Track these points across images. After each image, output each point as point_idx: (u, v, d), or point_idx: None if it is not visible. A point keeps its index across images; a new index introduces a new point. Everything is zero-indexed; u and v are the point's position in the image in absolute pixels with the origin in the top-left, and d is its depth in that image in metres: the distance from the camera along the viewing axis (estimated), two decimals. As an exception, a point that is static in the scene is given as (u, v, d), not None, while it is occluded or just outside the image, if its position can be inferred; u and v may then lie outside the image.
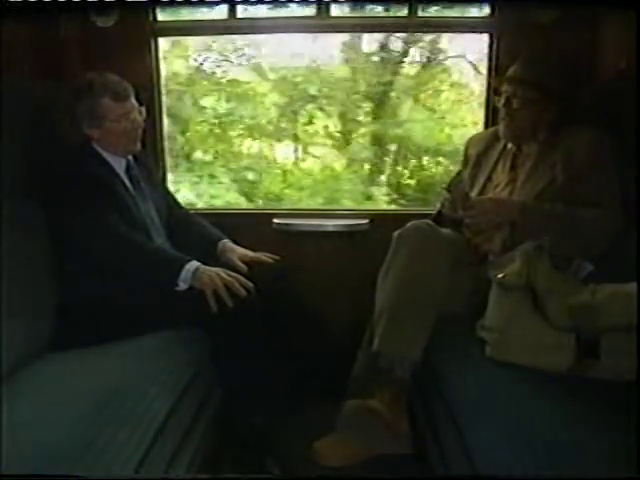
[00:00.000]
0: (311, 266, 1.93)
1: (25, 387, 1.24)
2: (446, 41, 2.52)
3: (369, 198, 2.66)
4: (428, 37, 2.51)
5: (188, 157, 2.74)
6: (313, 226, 2.03)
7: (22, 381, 1.27)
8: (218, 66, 2.63)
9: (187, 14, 2.01)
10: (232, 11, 1.95)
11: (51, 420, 1.07)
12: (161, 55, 2.03)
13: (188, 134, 2.73)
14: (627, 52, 1.61)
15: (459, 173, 1.80)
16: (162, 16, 1.98)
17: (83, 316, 1.49)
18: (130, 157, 1.66)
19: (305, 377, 1.68)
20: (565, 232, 1.47)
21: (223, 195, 2.70)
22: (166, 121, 2.11)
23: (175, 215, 1.81)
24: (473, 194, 1.69)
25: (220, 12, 1.97)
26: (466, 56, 2.52)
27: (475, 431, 1.16)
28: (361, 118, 2.71)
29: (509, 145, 1.68)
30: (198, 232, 1.81)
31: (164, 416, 1.25)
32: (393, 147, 2.76)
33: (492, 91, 1.78)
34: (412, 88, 2.67)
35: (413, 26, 2.04)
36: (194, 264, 1.49)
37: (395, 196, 2.69)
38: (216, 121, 2.73)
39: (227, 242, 1.76)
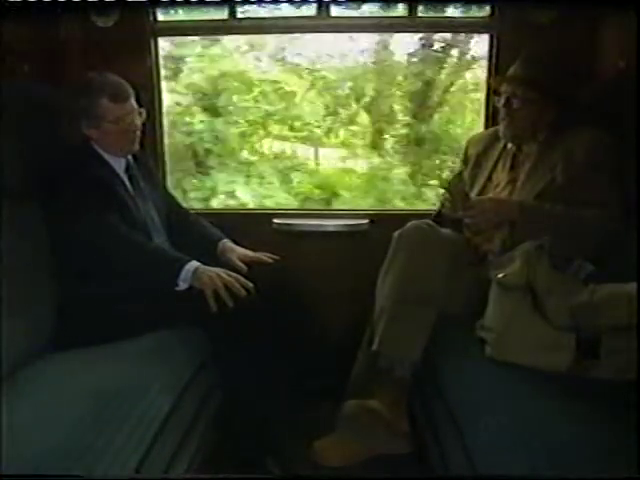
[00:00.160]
0: (311, 266, 1.93)
1: (25, 387, 1.24)
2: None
3: (418, 198, 2.64)
4: (462, 37, 2.48)
5: (235, 157, 2.74)
6: (313, 226, 2.03)
7: (22, 381, 1.27)
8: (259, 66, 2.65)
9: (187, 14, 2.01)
10: (232, 11, 1.95)
11: (51, 420, 1.08)
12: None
13: (234, 132, 2.72)
14: (627, 52, 1.61)
15: (459, 173, 1.81)
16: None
17: (83, 316, 1.49)
18: (130, 157, 1.66)
19: (305, 377, 1.69)
20: (565, 232, 1.47)
21: (273, 195, 2.69)
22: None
23: (175, 215, 1.81)
24: (473, 194, 1.69)
25: (220, 12, 1.97)
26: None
27: (475, 431, 1.15)
28: (407, 118, 2.70)
29: (509, 145, 1.68)
30: (198, 232, 1.81)
31: (164, 416, 1.25)
32: (437, 147, 2.74)
33: (492, 91, 1.78)
34: (452, 87, 2.66)
35: (413, 26, 2.04)
36: (194, 264, 1.49)
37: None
38: (261, 121, 2.74)
39: (227, 242, 1.76)
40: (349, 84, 2.67)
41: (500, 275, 1.37)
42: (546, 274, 1.33)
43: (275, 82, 2.68)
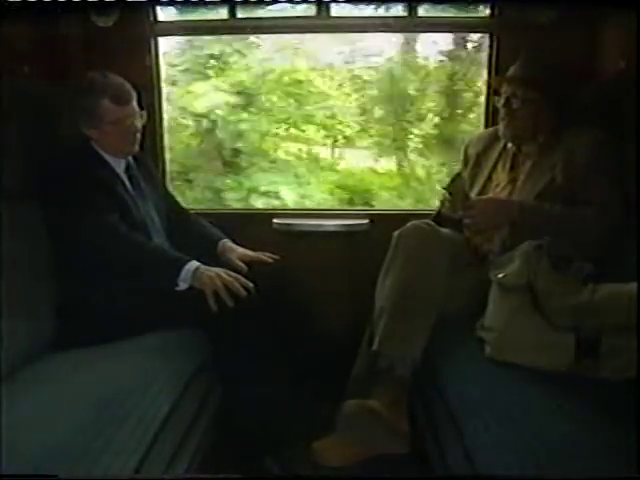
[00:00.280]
0: (311, 266, 1.93)
1: (25, 387, 1.24)
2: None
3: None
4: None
5: (270, 157, 2.74)
6: (313, 226, 2.03)
7: (22, 381, 1.27)
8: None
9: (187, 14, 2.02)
10: (232, 11, 1.95)
11: (51, 420, 1.08)
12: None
13: (269, 132, 2.73)
14: (627, 52, 1.61)
15: (459, 173, 1.81)
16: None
17: (83, 316, 1.49)
18: (130, 157, 1.66)
19: (305, 377, 1.68)
20: (565, 232, 1.47)
21: (312, 195, 2.70)
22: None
23: (175, 215, 1.81)
24: (473, 194, 1.69)
25: (220, 12, 1.97)
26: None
27: (475, 431, 1.15)
28: (437, 120, 2.71)
29: (509, 145, 1.68)
30: (198, 232, 1.81)
31: (164, 416, 1.25)
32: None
33: (492, 91, 1.78)
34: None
35: (413, 26, 2.04)
36: (194, 264, 1.49)
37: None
38: (291, 121, 2.76)
39: (227, 242, 1.76)
40: (381, 83, 2.66)
41: (500, 275, 1.37)
42: (546, 274, 1.33)
43: (309, 82, 2.69)
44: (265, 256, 1.71)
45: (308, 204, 2.62)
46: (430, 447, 1.45)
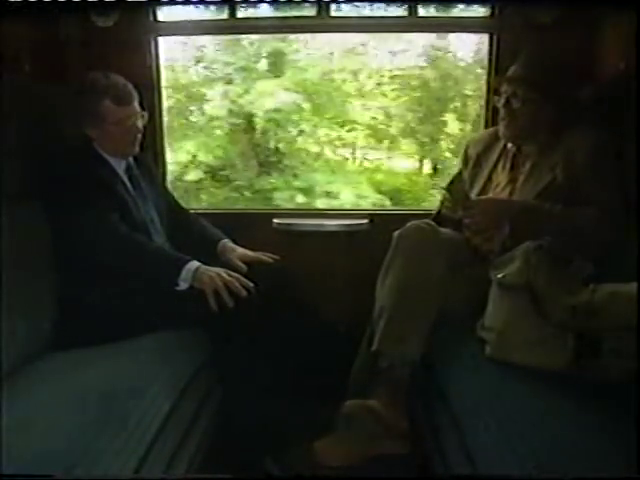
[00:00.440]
0: (311, 266, 1.93)
1: (25, 387, 1.24)
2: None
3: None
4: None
5: (319, 157, 2.75)
6: (313, 226, 2.03)
7: (22, 381, 1.27)
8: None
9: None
10: (232, 11, 1.95)
11: (51, 420, 1.08)
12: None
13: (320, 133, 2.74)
14: (627, 52, 1.61)
15: (459, 173, 1.81)
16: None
17: (83, 316, 1.49)
18: (130, 157, 1.66)
19: (305, 377, 1.68)
20: (565, 232, 1.46)
21: (367, 196, 2.70)
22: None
23: (175, 215, 1.81)
24: (473, 194, 1.69)
25: (220, 12, 1.97)
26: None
27: (475, 431, 1.15)
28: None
29: (509, 145, 1.68)
30: (198, 232, 1.81)
31: (164, 416, 1.25)
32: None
33: (492, 91, 1.78)
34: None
35: (413, 26, 2.04)
36: (194, 264, 1.49)
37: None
38: (339, 121, 2.77)
39: (227, 242, 1.76)
40: (422, 84, 2.67)
41: (500, 275, 1.37)
42: (546, 274, 1.32)
43: (356, 82, 2.71)
44: (265, 256, 1.72)
45: (364, 204, 2.62)
46: (430, 447, 1.45)
